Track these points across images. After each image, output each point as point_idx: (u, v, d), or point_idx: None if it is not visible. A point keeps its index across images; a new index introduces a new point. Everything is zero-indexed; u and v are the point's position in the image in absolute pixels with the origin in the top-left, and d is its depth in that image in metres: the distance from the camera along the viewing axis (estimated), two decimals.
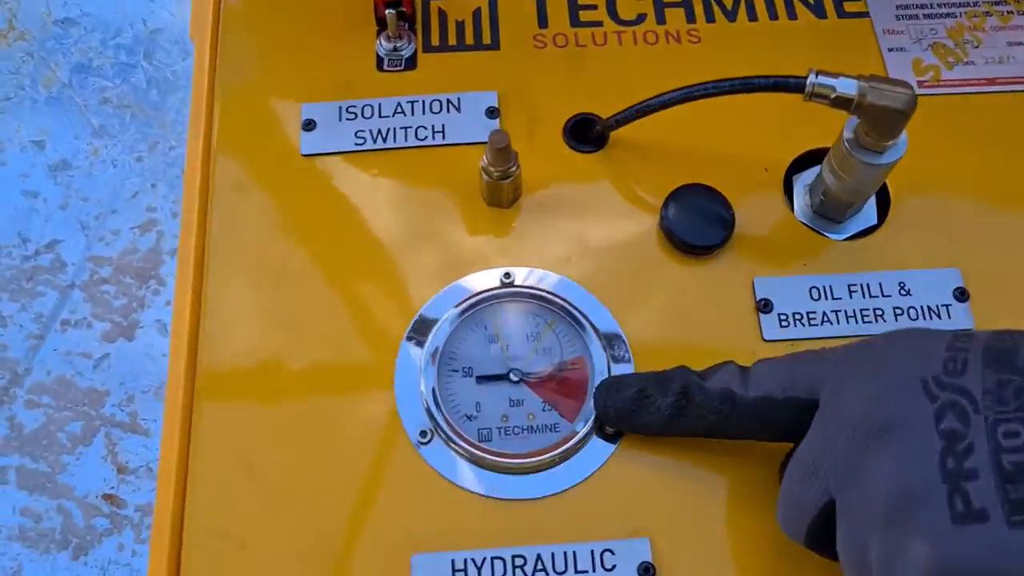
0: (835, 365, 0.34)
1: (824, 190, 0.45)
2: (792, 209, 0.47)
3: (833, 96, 0.38)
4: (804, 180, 0.48)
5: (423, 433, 0.41)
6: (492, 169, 0.43)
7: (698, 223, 0.44)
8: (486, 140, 0.46)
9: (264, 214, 0.46)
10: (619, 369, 0.43)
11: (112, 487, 1.10)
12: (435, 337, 0.43)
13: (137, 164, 1.30)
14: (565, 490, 0.40)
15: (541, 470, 0.40)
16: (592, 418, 0.41)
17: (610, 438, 0.41)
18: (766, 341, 0.44)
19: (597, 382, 0.41)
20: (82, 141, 1.32)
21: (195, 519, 0.40)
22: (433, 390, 0.41)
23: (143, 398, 1.14)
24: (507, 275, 0.44)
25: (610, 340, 0.43)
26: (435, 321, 0.43)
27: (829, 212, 0.47)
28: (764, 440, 0.38)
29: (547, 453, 0.40)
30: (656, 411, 0.38)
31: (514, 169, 0.44)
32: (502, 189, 0.45)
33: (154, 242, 1.24)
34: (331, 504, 0.40)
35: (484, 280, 0.44)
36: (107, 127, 1.33)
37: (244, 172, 0.47)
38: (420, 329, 0.43)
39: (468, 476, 0.40)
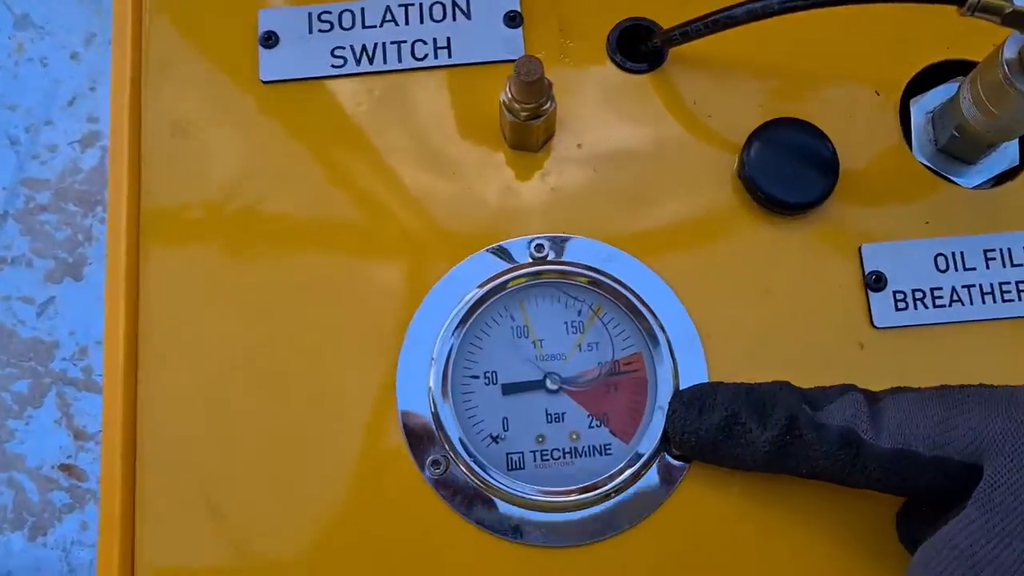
0: (1012, 421, 0.29)
1: (960, 125, 0.40)
2: (910, 146, 0.43)
3: (1008, 11, 0.32)
4: (926, 105, 0.43)
5: (435, 462, 0.38)
6: (518, 107, 0.38)
7: (790, 171, 0.40)
8: (505, 58, 0.43)
9: (211, 166, 0.42)
10: (688, 369, 0.39)
11: (69, 456, 1.10)
12: (447, 333, 0.39)
13: (72, 62, 1.25)
14: (620, 533, 0.38)
15: (589, 507, 0.38)
16: (658, 438, 0.38)
17: (679, 458, 0.38)
18: (877, 329, 0.40)
19: (659, 387, 0.38)
20: (2, 34, 1.26)
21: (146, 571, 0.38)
22: (446, 404, 0.38)
23: (98, 350, 1.12)
24: (539, 246, 0.40)
25: (675, 331, 0.39)
26: (446, 311, 0.39)
27: (960, 151, 0.42)
28: (889, 494, 0.33)
29: (598, 488, 0.37)
30: (750, 445, 0.34)
31: (548, 106, 0.39)
32: (531, 131, 0.40)
33: (98, 159, 1.20)
34: (319, 552, 0.37)
35: (509, 253, 0.40)
36: (32, 16, 1.26)
37: (185, 109, 0.43)
38: (427, 321, 0.39)
39: (494, 516, 0.38)
